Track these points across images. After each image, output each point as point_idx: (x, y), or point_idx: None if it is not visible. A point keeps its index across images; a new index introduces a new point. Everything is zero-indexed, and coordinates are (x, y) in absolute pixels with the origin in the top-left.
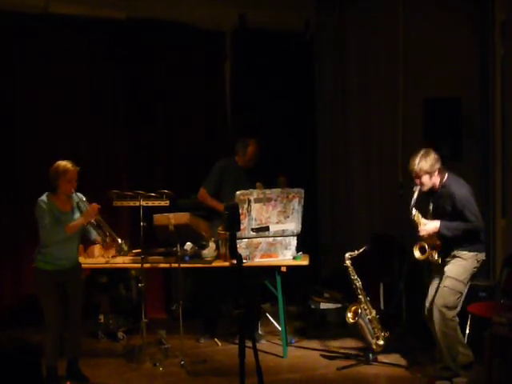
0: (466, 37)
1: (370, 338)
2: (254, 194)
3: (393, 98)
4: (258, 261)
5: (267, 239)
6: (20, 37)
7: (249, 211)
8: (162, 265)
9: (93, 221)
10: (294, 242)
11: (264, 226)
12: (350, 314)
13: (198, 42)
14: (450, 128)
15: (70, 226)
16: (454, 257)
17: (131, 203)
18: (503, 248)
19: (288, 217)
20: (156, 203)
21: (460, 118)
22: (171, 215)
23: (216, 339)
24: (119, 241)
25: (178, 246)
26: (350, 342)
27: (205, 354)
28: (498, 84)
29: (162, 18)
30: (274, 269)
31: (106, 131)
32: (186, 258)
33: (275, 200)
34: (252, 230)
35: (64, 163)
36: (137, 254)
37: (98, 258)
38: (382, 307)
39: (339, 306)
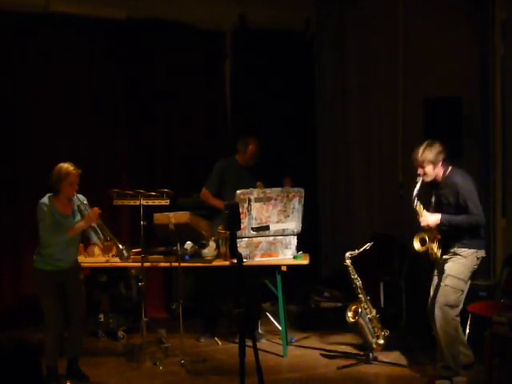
0: (466, 36)
1: (370, 337)
2: (255, 193)
3: (393, 98)
4: (259, 260)
5: (267, 238)
6: (20, 36)
7: (249, 210)
8: (162, 264)
9: (94, 225)
10: (294, 241)
11: (264, 225)
12: (350, 313)
13: (198, 41)
14: (450, 128)
15: (71, 230)
16: (454, 254)
17: (131, 202)
18: (503, 247)
19: (288, 216)
20: (156, 202)
21: (460, 117)
22: (171, 214)
23: (216, 338)
24: (120, 247)
25: (178, 245)
26: (350, 341)
27: (205, 353)
28: (498, 84)
29: (162, 18)
30: (275, 268)
31: (106, 131)
32: (186, 257)
33: (275, 199)
34: (252, 229)
35: (66, 166)
36: (137, 253)
37: (98, 257)
38: (382, 306)
39: (339, 305)
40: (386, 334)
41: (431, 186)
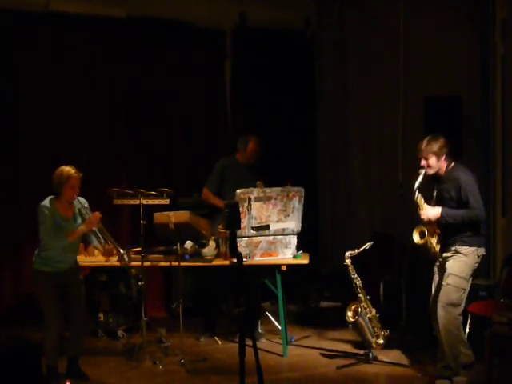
0: (466, 36)
1: (369, 336)
2: (255, 192)
3: (393, 98)
4: (258, 259)
5: (267, 238)
6: (20, 35)
7: (249, 210)
8: (162, 263)
9: (94, 228)
10: (294, 240)
11: (264, 224)
12: (349, 313)
13: (198, 40)
14: (450, 127)
15: (72, 233)
16: (455, 252)
17: (131, 202)
18: (503, 247)
19: (288, 215)
20: (156, 202)
21: (460, 117)
22: (171, 213)
23: (216, 338)
24: (121, 251)
25: (178, 244)
26: (350, 341)
27: (205, 353)
28: (498, 83)
29: (162, 17)
30: (274, 267)
31: (105, 131)
32: (186, 257)
33: (275, 199)
34: (252, 228)
35: (67, 169)
36: (137, 253)
37: (98, 256)
38: (382, 306)
39: (339, 304)
40: (386, 334)
41: (433, 181)
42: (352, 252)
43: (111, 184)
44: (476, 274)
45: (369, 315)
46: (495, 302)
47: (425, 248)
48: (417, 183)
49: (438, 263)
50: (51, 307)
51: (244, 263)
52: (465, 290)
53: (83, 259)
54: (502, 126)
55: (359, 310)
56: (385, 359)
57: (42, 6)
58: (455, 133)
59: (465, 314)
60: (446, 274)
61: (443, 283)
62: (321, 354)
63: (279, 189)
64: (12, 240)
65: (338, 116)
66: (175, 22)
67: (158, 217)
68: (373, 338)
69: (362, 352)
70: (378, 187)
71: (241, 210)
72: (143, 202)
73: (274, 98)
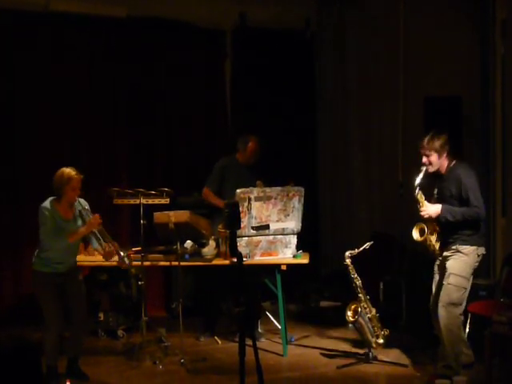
0: (466, 36)
1: (369, 336)
2: (255, 192)
3: (393, 98)
4: (258, 259)
5: (267, 237)
6: (20, 35)
7: (249, 209)
8: (162, 263)
9: (95, 230)
10: (294, 240)
11: (264, 224)
12: (349, 313)
13: (198, 40)
14: (450, 127)
15: (72, 235)
16: (455, 251)
17: (131, 201)
18: (503, 247)
19: (288, 215)
20: (156, 201)
21: (460, 117)
22: (171, 213)
23: (216, 337)
24: (122, 254)
25: (178, 244)
26: (350, 341)
27: (205, 352)
28: (498, 83)
29: (162, 17)
30: (274, 267)
31: (106, 131)
32: (186, 256)
33: (275, 198)
34: (252, 228)
35: (68, 171)
36: (137, 252)
37: (97, 256)
38: (382, 306)
39: (339, 304)
40: (386, 334)
41: (434, 179)
42: (352, 252)
43: (111, 184)
44: (476, 273)
45: (369, 315)
46: (495, 301)
47: (424, 245)
48: (417, 180)
49: (437, 262)
50: (51, 307)
51: (244, 263)
52: (466, 289)
53: (83, 259)
54: (502, 126)
55: (359, 309)
56: (385, 359)
57: (42, 6)
58: (455, 133)
59: (465, 313)
60: (446, 274)
61: (444, 283)
62: (321, 353)
63: (279, 188)
64: (12, 240)
65: (337, 116)
66: (175, 21)
67: (158, 216)
68: (373, 337)
69: (361, 352)
70: (378, 187)
71: (241, 209)
72: (143, 201)
73: (274, 97)
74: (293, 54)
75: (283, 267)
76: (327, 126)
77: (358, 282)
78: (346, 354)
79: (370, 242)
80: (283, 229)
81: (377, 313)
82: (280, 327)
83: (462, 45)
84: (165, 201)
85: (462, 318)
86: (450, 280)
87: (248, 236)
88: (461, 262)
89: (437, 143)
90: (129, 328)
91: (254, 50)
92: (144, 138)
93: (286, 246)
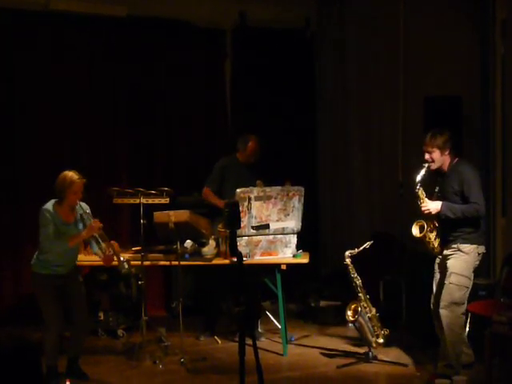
0: (466, 36)
1: (369, 336)
2: (255, 191)
3: (393, 98)
4: (258, 259)
5: (267, 237)
6: (20, 34)
7: (249, 209)
8: (162, 262)
9: (96, 235)
10: (294, 239)
11: (264, 223)
12: (349, 312)
13: (198, 40)
14: (450, 127)
15: (72, 239)
16: (456, 250)
17: (131, 201)
18: (503, 247)
19: (288, 215)
20: (156, 201)
21: (460, 117)
22: (171, 213)
23: (216, 337)
24: (121, 258)
25: (178, 243)
26: (350, 340)
27: (205, 352)
28: (498, 83)
29: (162, 16)
30: (274, 267)
31: (106, 131)
32: (186, 256)
33: (275, 198)
34: (252, 227)
35: (71, 174)
36: (137, 252)
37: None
38: (382, 305)
39: (339, 303)
40: (386, 333)
41: (436, 176)
42: (352, 251)
43: (111, 183)
44: (476, 273)
45: (369, 314)
46: (495, 301)
47: (423, 243)
48: (419, 177)
49: (438, 261)
50: (51, 308)
51: (244, 262)
52: (467, 288)
53: (83, 258)
54: (502, 126)
55: (359, 309)
56: (385, 358)
57: (42, 6)
58: (455, 133)
59: (465, 313)
60: (448, 273)
61: (445, 282)
62: (321, 353)
63: (279, 188)
64: (12, 240)
65: (338, 116)
66: (175, 21)
67: (158, 216)
68: (373, 337)
69: (361, 351)
70: (377, 187)
71: (241, 209)
72: (143, 201)
73: (274, 97)
74: (293, 53)
75: (283, 267)
76: (327, 126)
77: (358, 282)
78: (346, 354)
79: (369, 241)
80: (283, 228)
81: (377, 312)
82: (280, 327)
83: (462, 45)
84: (165, 200)
85: (464, 317)
86: (452, 279)
87: (248, 235)
88: (462, 260)
89: (439, 140)
90: (129, 327)
91: (254, 50)
92: (144, 137)
93: (285, 245)
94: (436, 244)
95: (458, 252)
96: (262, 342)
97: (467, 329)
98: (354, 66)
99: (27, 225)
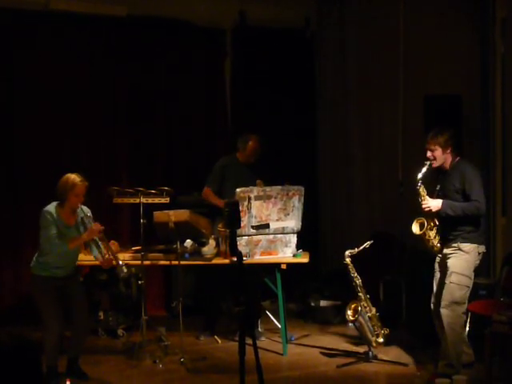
0: (466, 35)
1: (369, 335)
2: (254, 191)
3: (393, 97)
4: (258, 258)
5: (267, 236)
6: (20, 34)
7: (249, 208)
8: (162, 262)
9: (96, 238)
10: (294, 239)
11: (264, 223)
12: (349, 312)
13: (198, 39)
14: (451, 126)
15: (72, 241)
16: (457, 249)
17: (131, 200)
18: (503, 246)
19: (288, 214)
20: (156, 200)
21: (460, 116)
22: (171, 212)
23: (216, 336)
24: (120, 262)
25: (178, 243)
26: (350, 340)
27: (205, 352)
28: (498, 83)
29: (162, 16)
30: (274, 266)
31: (106, 130)
32: (186, 256)
33: (275, 197)
34: (252, 227)
35: (73, 177)
36: (137, 251)
37: None
38: (382, 305)
39: (339, 303)
40: (386, 333)
41: (437, 174)
42: (352, 251)
43: (111, 183)
44: (476, 272)
45: (369, 314)
46: (495, 300)
47: (423, 240)
48: (420, 174)
49: (438, 260)
50: (50, 309)
51: (244, 262)
52: (468, 287)
53: (83, 258)
54: (502, 126)
55: (359, 308)
56: (385, 358)
57: (42, 5)
58: (455, 132)
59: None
60: (448, 273)
61: (446, 282)
62: (321, 352)
63: (279, 187)
64: (12, 240)
65: (338, 115)
66: (175, 21)
67: (158, 215)
68: (373, 336)
69: (361, 351)
70: (377, 186)
71: (241, 208)
72: (143, 200)
73: (274, 96)
74: (293, 53)
75: (283, 266)
76: (327, 125)
77: (358, 281)
78: (346, 353)
79: (370, 241)
80: (283, 228)
81: (377, 312)
82: (280, 326)
83: (462, 44)
84: (165, 200)
85: (465, 316)
86: (453, 279)
87: (248, 235)
88: (462, 260)
89: (441, 138)
90: (129, 327)
91: (254, 50)
92: (144, 137)
93: (285, 245)
94: (436, 242)
95: (459, 251)
96: (262, 342)
97: (467, 328)
98: (353, 66)
99: (27, 225)
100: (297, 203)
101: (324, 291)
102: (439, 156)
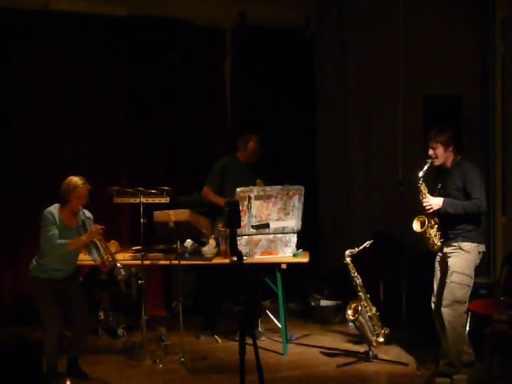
0: (466, 35)
1: (369, 335)
2: (255, 191)
3: (393, 97)
4: (258, 258)
5: (267, 236)
6: (20, 34)
7: (249, 208)
8: (162, 262)
9: (96, 241)
10: (294, 239)
11: (264, 223)
12: (350, 311)
13: (198, 39)
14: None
15: (72, 243)
16: (457, 248)
17: (131, 200)
18: (503, 245)
19: (288, 214)
20: (156, 200)
21: (460, 116)
22: (171, 212)
23: (216, 336)
24: (118, 265)
25: (178, 242)
26: (350, 339)
27: (205, 351)
28: (498, 82)
29: (162, 16)
30: (274, 266)
31: (106, 130)
32: (186, 255)
33: (275, 197)
34: (252, 227)
35: (75, 180)
36: (137, 251)
37: None
38: (382, 304)
39: (339, 303)
40: (386, 332)
41: (438, 173)
42: (352, 250)
43: (111, 182)
44: (476, 272)
45: (369, 313)
46: (495, 300)
47: (423, 238)
48: (421, 172)
49: (438, 258)
50: (50, 310)
51: (244, 261)
52: (469, 286)
53: (83, 258)
54: (502, 126)
55: (359, 308)
56: (385, 357)
57: (42, 5)
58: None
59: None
60: (449, 272)
61: (447, 281)
62: (321, 352)
63: (279, 187)
64: (12, 240)
65: (338, 115)
66: (175, 21)
67: (158, 215)
68: (373, 336)
69: (362, 350)
70: (377, 186)
71: (241, 208)
72: (143, 200)
73: (274, 96)
74: (293, 53)
75: (283, 266)
76: (327, 125)
77: (358, 281)
78: (346, 353)
79: (370, 240)
80: (283, 227)
81: (377, 311)
82: (280, 326)
83: (462, 44)
84: (165, 200)
85: (466, 316)
86: (453, 278)
87: (248, 235)
88: (463, 259)
89: (444, 136)
90: (129, 327)
91: (254, 49)
92: (144, 137)
93: (286, 244)
94: (436, 240)
95: (459, 250)
96: (263, 342)
97: (467, 328)
98: (353, 66)
99: (27, 225)
100: (297, 203)
101: (324, 291)
102: (441, 154)
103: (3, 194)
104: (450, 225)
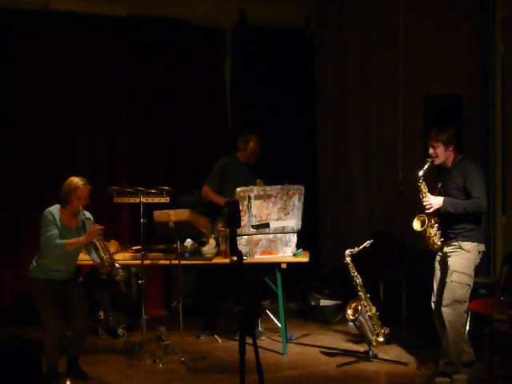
0: (466, 35)
1: (369, 334)
2: (254, 190)
3: (393, 97)
4: (258, 257)
5: (267, 236)
6: (20, 34)
7: (249, 208)
8: (162, 261)
9: (95, 241)
10: (294, 238)
11: (264, 222)
12: (349, 311)
13: (198, 39)
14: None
15: (70, 243)
16: (457, 248)
17: (131, 200)
18: (503, 245)
19: (288, 213)
20: (156, 200)
21: (460, 116)
22: (171, 212)
23: (216, 336)
24: (117, 265)
25: (178, 242)
26: (350, 339)
27: (205, 351)
28: (498, 82)
29: (162, 16)
30: (274, 265)
31: (106, 130)
32: (186, 255)
33: (275, 197)
34: (252, 226)
35: (76, 180)
36: (137, 251)
37: None
38: (382, 304)
39: (339, 302)
40: (386, 332)
41: (438, 173)
42: (352, 250)
43: (111, 182)
44: (476, 271)
45: (369, 313)
46: (495, 299)
47: (423, 237)
48: (421, 171)
49: (438, 258)
50: (50, 311)
51: (244, 261)
52: (469, 286)
53: (83, 257)
54: (502, 126)
55: (359, 308)
56: (385, 357)
57: (42, 5)
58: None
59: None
60: (449, 272)
61: (447, 280)
62: (321, 351)
63: (279, 187)
64: (12, 240)
65: (338, 115)
66: (175, 21)
67: (158, 215)
68: (373, 335)
69: (362, 350)
70: (377, 186)
71: (241, 208)
72: (143, 200)
73: (274, 96)
74: (293, 53)
75: (283, 266)
76: (327, 125)
77: (358, 281)
78: (346, 353)
79: (370, 240)
80: (283, 227)
81: (377, 311)
82: (280, 326)
83: (462, 44)
84: (165, 199)
85: (466, 315)
86: (454, 277)
87: (248, 234)
88: (463, 259)
89: (444, 135)
90: (129, 327)
91: (254, 49)
92: (144, 137)
93: (286, 244)
94: (436, 240)
95: (459, 250)
96: (263, 341)
97: (467, 327)
98: (353, 66)
99: (27, 225)
100: (297, 202)
101: (324, 290)
102: (441, 153)
103: (3, 194)
104: (450, 224)
